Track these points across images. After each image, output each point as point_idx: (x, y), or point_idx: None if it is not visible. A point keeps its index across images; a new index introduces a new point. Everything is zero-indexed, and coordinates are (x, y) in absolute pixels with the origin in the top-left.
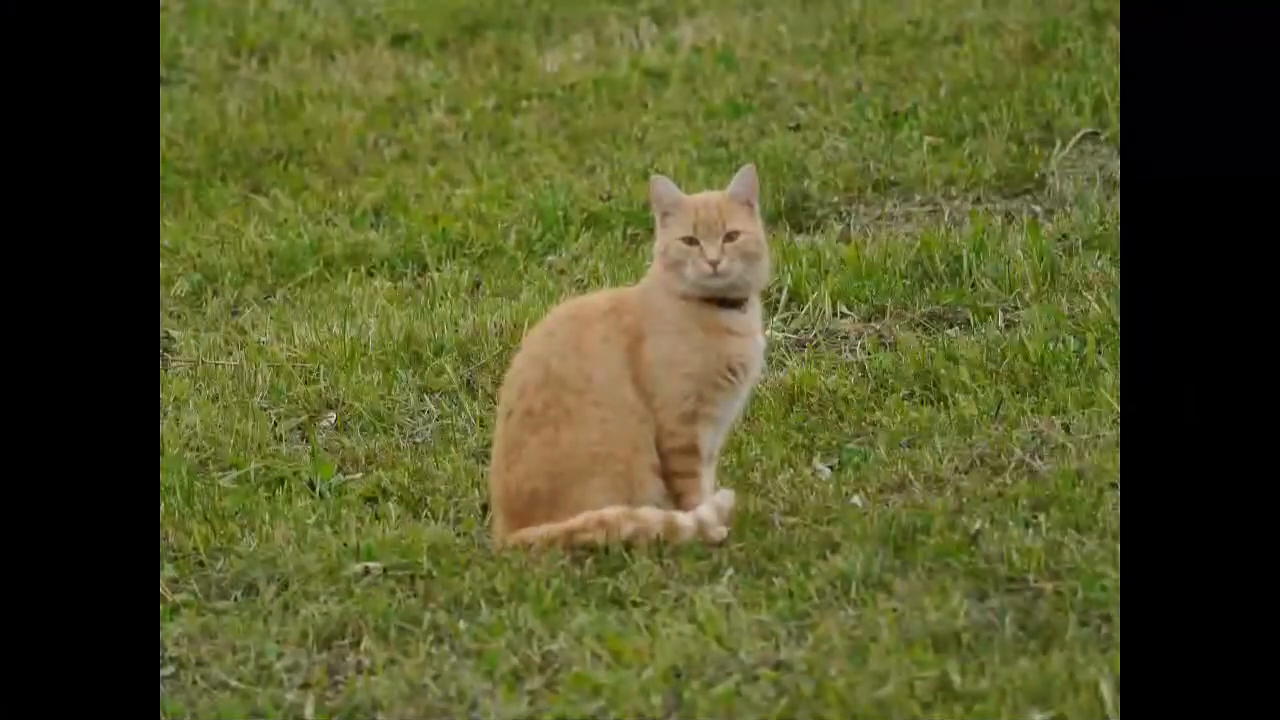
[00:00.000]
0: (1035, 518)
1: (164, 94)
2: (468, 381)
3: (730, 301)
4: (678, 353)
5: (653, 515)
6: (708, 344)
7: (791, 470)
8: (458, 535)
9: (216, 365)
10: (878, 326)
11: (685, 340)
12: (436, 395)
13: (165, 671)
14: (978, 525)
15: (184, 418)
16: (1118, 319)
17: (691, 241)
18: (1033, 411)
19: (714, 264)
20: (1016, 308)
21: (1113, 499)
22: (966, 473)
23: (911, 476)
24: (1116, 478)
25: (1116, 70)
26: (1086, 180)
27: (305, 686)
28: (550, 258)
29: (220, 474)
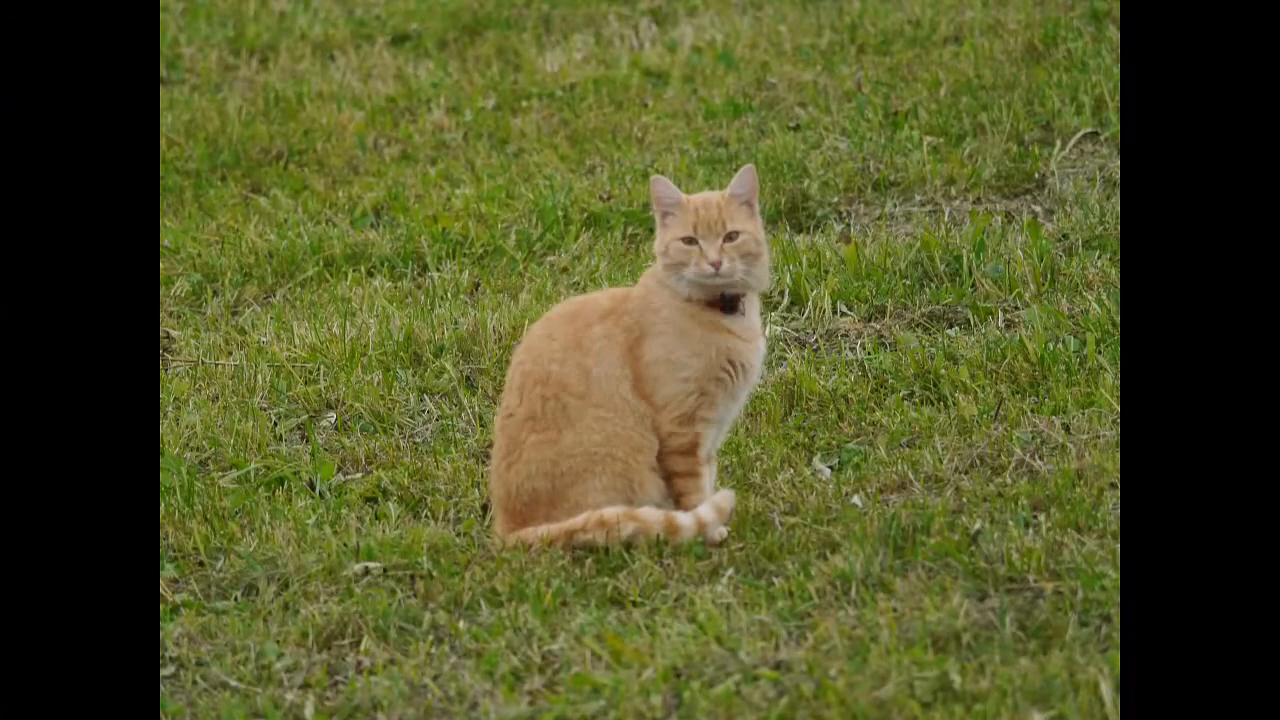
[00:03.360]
0: (1035, 518)
1: (164, 94)
2: (468, 380)
3: (730, 303)
4: (677, 353)
5: (653, 515)
6: (707, 344)
7: (791, 470)
8: (458, 535)
9: (216, 365)
10: (878, 326)
11: (685, 340)
12: (436, 395)
13: (165, 671)
14: (978, 525)
15: (184, 418)
16: (1118, 319)
17: (691, 241)
18: (1033, 411)
19: (714, 264)
20: (1016, 308)
21: (1113, 499)
22: (966, 473)
23: (911, 476)
24: (1116, 478)
25: (1116, 70)
26: (1086, 180)
27: (305, 686)
28: (550, 258)
29: (220, 474)
